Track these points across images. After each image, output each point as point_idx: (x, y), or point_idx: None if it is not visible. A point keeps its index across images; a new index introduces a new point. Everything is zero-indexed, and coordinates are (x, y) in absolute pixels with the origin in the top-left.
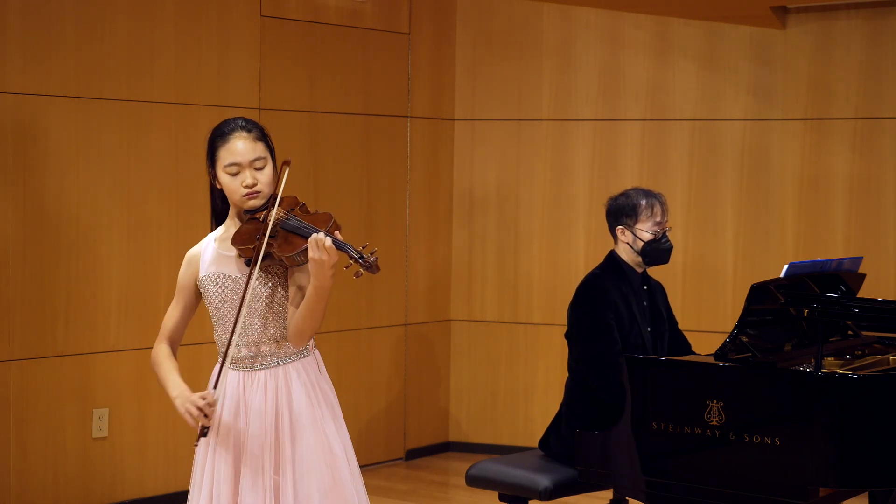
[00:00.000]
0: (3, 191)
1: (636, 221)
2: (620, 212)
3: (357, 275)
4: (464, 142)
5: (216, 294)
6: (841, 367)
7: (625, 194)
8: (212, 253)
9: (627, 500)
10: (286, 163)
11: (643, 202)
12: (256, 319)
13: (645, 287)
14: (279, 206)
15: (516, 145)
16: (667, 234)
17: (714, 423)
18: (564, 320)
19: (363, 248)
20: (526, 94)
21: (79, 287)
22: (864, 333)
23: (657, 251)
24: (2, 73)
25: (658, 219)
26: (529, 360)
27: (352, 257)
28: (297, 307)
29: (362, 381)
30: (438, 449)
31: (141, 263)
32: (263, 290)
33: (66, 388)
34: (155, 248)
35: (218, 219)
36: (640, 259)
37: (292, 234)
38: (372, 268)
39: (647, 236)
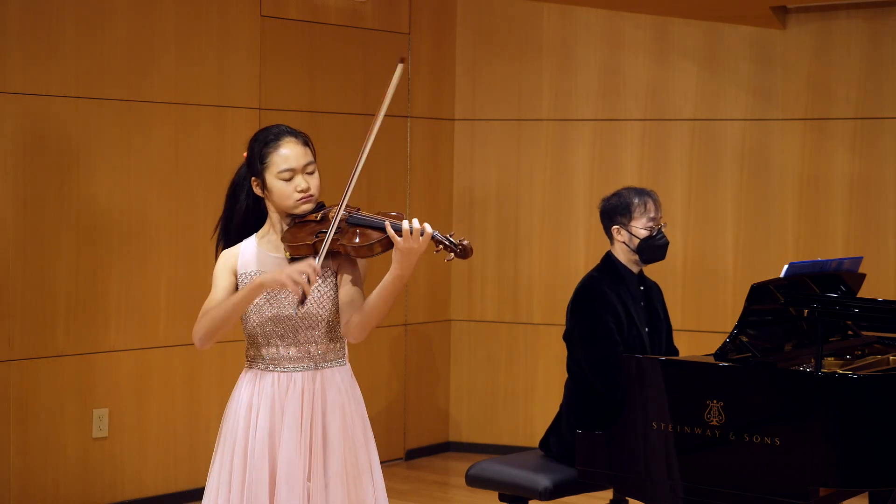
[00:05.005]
0: (3, 191)
1: (631, 219)
2: (614, 211)
3: (448, 259)
4: (464, 142)
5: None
6: (841, 367)
7: (616, 194)
8: (253, 251)
9: (627, 500)
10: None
11: (636, 200)
12: (301, 320)
13: (642, 287)
14: (329, 207)
15: (516, 145)
16: (662, 229)
17: (714, 423)
18: (564, 320)
19: (451, 234)
20: (526, 94)
21: (78, 287)
22: (864, 333)
23: (653, 248)
24: (1, 73)
25: (652, 214)
26: (529, 360)
27: (440, 242)
28: (351, 303)
29: (362, 380)
30: (438, 449)
31: (141, 263)
32: (315, 291)
33: (66, 388)
34: (155, 248)
35: (227, 231)
36: (636, 258)
37: (364, 227)
38: (466, 251)
39: (643, 233)
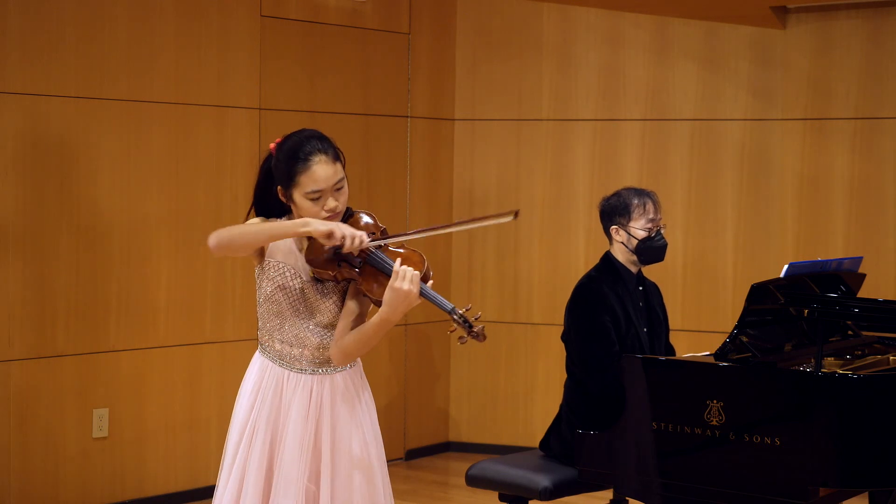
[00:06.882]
0: (3, 191)
1: (629, 220)
2: (613, 211)
3: (461, 340)
4: (464, 142)
5: (280, 282)
6: (841, 367)
7: (616, 194)
8: (286, 240)
9: (627, 500)
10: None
11: (635, 200)
12: (318, 329)
13: (640, 288)
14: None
15: (516, 145)
16: (661, 231)
17: (714, 423)
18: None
19: (466, 310)
20: (526, 94)
21: (78, 287)
22: (864, 333)
23: (651, 249)
24: (1, 73)
25: (651, 216)
26: (529, 360)
27: (454, 320)
28: (348, 323)
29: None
30: (438, 449)
31: (141, 263)
32: (328, 304)
33: (66, 388)
34: (155, 248)
35: (266, 216)
36: (635, 258)
37: (382, 274)
38: (479, 337)
39: (642, 234)
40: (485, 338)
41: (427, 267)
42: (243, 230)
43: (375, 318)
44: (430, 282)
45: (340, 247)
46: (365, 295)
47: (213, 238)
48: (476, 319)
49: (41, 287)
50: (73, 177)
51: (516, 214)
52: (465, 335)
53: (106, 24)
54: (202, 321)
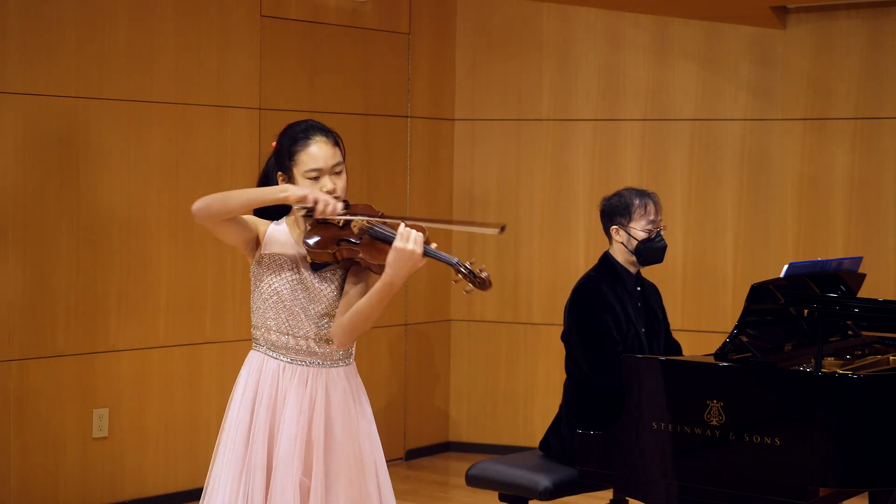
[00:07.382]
0: (3, 191)
1: (630, 220)
2: (614, 211)
3: (467, 290)
4: (464, 142)
5: (278, 273)
6: (841, 367)
7: (618, 194)
8: (284, 233)
9: (627, 500)
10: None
11: (636, 201)
12: (315, 318)
13: (639, 288)
14: (355, 211)
15: (516, 145)
16: (661, 232)
17: (714, 423)
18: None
19: (471, 262)
20: (526, 94)
21: (78, 287)
22: (864, 333)
23: (651, 250)
24: (1, 73)
25: (652, 217)
26: (529, 360)
27: (459, 271)
28: (348, 307)
29: (362, 380)
30: (438, 449)
31: (140, 263)
32: (326, 292)
33: (66, 388)
34: (154, 248)
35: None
36: (634, 258)
37: (382, 243)
38: (484, 284)
39: (642, 235)
40: (490, 284)
41: (427, 234)
42: (222, 195)
43: (378, 284)
44: (434, 245)
45: (312, 210)
46: (368, 267)
47: (196, 203)
48: (480, 270)
49: (41, 287)
50: (73, 177)
51: (503, 229)
52: (471, 284)
53: (106, 24)
54: (202, 321)
